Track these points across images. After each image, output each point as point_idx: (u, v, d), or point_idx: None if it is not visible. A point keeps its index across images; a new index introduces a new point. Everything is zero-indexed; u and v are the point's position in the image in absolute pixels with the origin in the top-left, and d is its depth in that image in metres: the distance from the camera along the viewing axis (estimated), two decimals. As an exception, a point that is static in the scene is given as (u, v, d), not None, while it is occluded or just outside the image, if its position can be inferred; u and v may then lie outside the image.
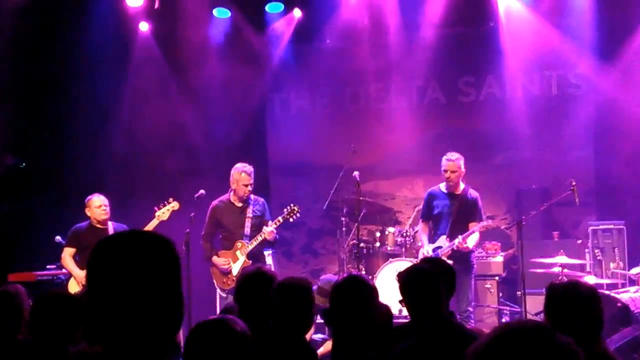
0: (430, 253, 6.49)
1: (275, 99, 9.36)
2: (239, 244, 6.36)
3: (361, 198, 6.97)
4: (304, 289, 3.06)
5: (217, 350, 2.00)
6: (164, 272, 1.54)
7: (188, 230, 6.17)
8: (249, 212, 6.36)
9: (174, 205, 6.40)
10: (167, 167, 8.58)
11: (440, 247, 6.51)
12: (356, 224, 6.89)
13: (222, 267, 6.38)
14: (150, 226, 6.28)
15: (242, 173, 6.27)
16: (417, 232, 7.22)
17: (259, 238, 6.21)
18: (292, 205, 6.25)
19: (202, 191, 6.49)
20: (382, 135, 8.95)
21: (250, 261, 6.25)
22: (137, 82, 8.41)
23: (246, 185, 6.25)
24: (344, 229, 7.92)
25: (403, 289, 3.14)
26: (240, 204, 6.39)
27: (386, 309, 3.36)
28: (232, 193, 6.42)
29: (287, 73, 9.06)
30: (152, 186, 8.28)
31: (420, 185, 8.36)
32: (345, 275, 3.20)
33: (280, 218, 6.18)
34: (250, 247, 6.28)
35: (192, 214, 6.26)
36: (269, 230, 6.13)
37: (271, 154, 9.44)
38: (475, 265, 6.53)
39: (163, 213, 6.36)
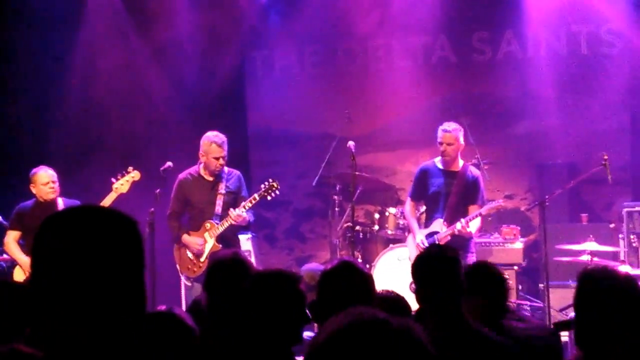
0: (424, 240, 6.50)
1: (256, 56, 9.37)
2: (207, 225, 6.37)
3: (357, 173, 6.95)
4: (291, 286, 2.90)
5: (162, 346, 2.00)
6: (124, 257, 1.51)
7: (153, 209, 6.16)
8: (221, 188, 6.38)
9: (134, 175, 6.37)
10: (127, 133, 8.56)
11: (436, 233, 6.51)
12: (351, 204, 6.90)
13: (195, 247, 6.37)
14: (106, 201, 6.25)
15: (212, 144, 6.27)
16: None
17: (227, 222, 6.25)
18: (270, 180, 6.27)
19: (169, 163, 6.50)
20: (382, 100, 8.92)
21: (221, 245, 6.28)
22: (91, 34, 8.43)
23: (217, 159, 6.27)
24: (336, 209, 7.98)
25: (416, 274, 3.14)
26: (211, 178, 6.41)
27: (398, 301, 3.35)
28: (201, 165, 6.43)
29: (270, 25, 9.08)
30: (109, 155, 8.26)
31: (427, 158, 8.26)
32: (336, 261, 3.16)
33: (256, 195, 6.20)
34: (221, 229, 6.29)
35: (158, 190, 6.27)
36: (236, 213, 6.14)
37: (250, 121, 9.44)
38: (475, 255, 6.54)
39: (122, 185, 6.33)
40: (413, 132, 8.81)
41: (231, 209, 6.21)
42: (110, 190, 6.33)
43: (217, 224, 6.36)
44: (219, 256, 3.49)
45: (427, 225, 6.71)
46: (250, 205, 6.22)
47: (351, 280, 2.98)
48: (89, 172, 7.82)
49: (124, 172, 6.38)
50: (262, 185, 6.30)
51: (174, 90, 8.72)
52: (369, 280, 3.05)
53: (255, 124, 9.42)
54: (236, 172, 6.52)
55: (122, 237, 1.52)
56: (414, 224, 6.72)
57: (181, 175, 6.52)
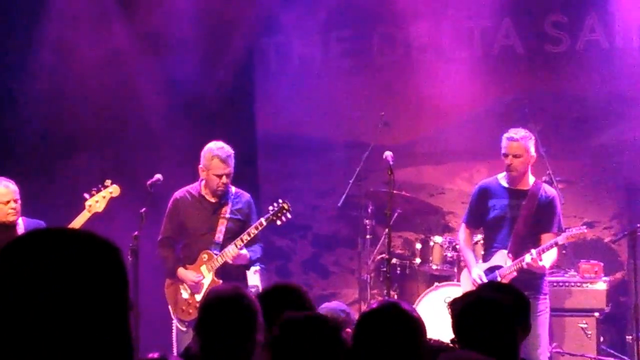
0: (483, 276, 6.54)
1: (269, 44, 9.41)
2: (204, 256, 6.52)
3: (395, 192, 6.98)
4: (332, 335, 2.98)
5: None
6: (104, 296, 1.53)
7: (137, 232, 6.25)
8: (226, 212, 6.54)
9: (112, 190, 6.44)
10: (106, 138, 8.64)
11: (498, 268, 6.55)
12: (387, 230, 6.88)
13: (191, 282, 6.51)
14: (77, 222, 6.33)
15: (214, 158, 6.40)
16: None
17: (226, 256, 6.42)
18: (280, 201, 6.41)
19: (157, 176, 6.58)
20: (428, 100, 8.88)
21: (221, 281, 6.41)
22: (65, 16, 8.43)
23: (220, 176, 6.42)
24: (368, 236, 8.00)
25: (461, 325, 3.19)
26: (214, 200, 6.55)
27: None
28: (203, 183, 6.57)
29: (287, 6, 9.07)
30: (82, 164, 8.34)
31: (484, 174, 8.29)
32: (379, 302, 3.21)
33: (262, 220, 6.36)
34: (220, 262, 6.45)
35: (143, 210, 6.34)
36: (232, 253, 6.33)
37: (260, 125, 9.49)
38: (549, 295, 6.59)
39: (97, 202, 6.39)
40: (467, 141, 8.85)
41: (229, 247, 6.37)
42: (82, 208, 6.37)
43: (216, 254, 6.47)
44: (215, 291, 3.54)
45: (486, 258, 6.72)
46: (248, 237, 6.34)
47: (398, 327, 2.99)
48: (56, 186, 7.90)
49: (100, 186, 6.43)
50: (270, 208, 6.40)
51: (167, 86, 8.81)
52: (420, 327, 3.05)
53: (265, 129, 9.49)
54: (246, 195, 6.68)
55: (101, 269, 1.53)
56: (470, 257, 6.74)
57: (177, 194, 6.63)
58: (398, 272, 7.79)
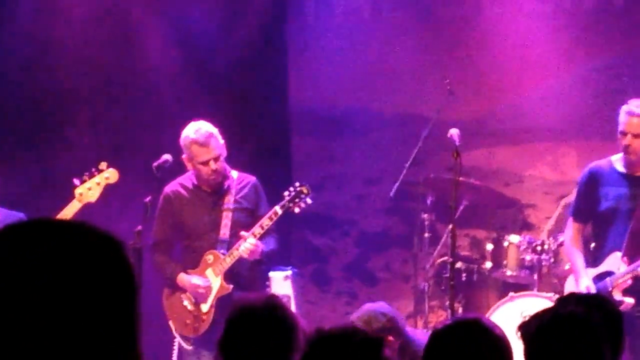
0: (592, 287, 6.56)
1: None
2: (209, 257, 6.63)
3: (461, 179, 6.94)
4: (372, 354, 3.08)
5: None
6: (106, 302, 1.55)
7: (140, 227, 6.26)
8: (229, 202, 6.67)
9: (108, 175, 6.45)
10: (103, 110, 8.69)
11: (610, 274, 6.59)
12: (450, 227, 6.87)
13: (195, 290, 6.62)
14: (66, 213, 6.36)
15: (192, 145, 6.55)
16: (561, 243, 7.38)
17: (235, 251, 6.53)
18: (297, 185, 6.57)
19: (166, 157, 6.61)
20: (503, 65, 8.89)
21: (232, 286, 6.56)
22: None
23: (205, 164, 6.55)
24: (426, 234, 8.05)
25: (533, 350, 3.17)
26: (211, 190, 6.73)
27: None
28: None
29: None
30: (74, 142, 8.35)
31: (573, 159, 8.18)
32: (453, 319, 3.37)
33: (277, 209, 6.50)
34: (229, 262, 6.55)
35: (148, 199, 6.40)
36: (249, 245, 6.42)
37: (294, 95, 9.54)
38: None
39: (89, 190, 6.41)
40: (551, 117, 8.85)
41: (243, 240, 6.44)
42: (71, 197, 6.37)
43: (224, 254, 6.56)
44: (244, 303, 3.63)
45: (595, 262, 6.73)
46: (261, 231, 6.46)
47: (481, 350, 3.04)
48: (40, 169, 7.93)
49: (93, 170, 6.43)
50: (286, 193, 6.53)
51: (176, 48, 8.87)
52: (508, 351, 3.10)
53: (300, 100, 9.56)
54: (250, 178, 6.83)
55: (100, 270, 1.56)
56: (579, 260, 6.75)
57: (168, 188, 6.74)
58: (463, 279, 7.82)
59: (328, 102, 9.43)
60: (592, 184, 6.74)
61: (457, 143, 6.61)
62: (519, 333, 3.22)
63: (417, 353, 4.95)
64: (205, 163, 6.51)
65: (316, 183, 8.35)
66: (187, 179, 6.74)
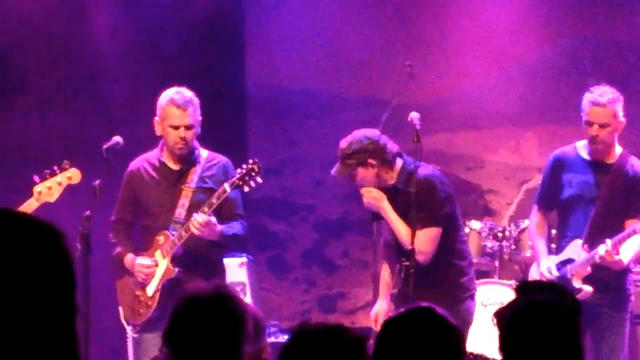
0: (554, 273, 6.59)
1: None
2: (160, 238, 6.53)
3: (422, 164, 6.72)
4: (354, 339, 3.12)
5: None
6: (39, 293, 1.58)
7: (88, 212, 6.23)
8: (192, 180, 6.59)
9: (70, 174, 6.41)
10: (45, 90, 8.62)
11: (571, 262, 6.61)
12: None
13: (140, 272, 6.53)
14: (24, 209, 6.27)
15: (169, 105, 6.47)
16: (524, 229, 7.47)
17: (186, 232, 6.42)
18: (250, 162, 6.44)
19: (116, 139, 6.57)
20: (465, 46, 8.96)
21: (177, 269, 6.46)
22: None
23: (176, 127, 6.44)
24: None
25: (508, 337, 3.21)
26: (177, 166, 6.60)
27: None
28: (163, 146, 6.65)
29: None
30: (16, 125, 8.31)
31: (535, 144, 8.19)
32: (405, 308, 3.27)
33: (225, 186, 6.36)
34: (178, 243, 6.44)
35: (97, 182, 6.32)
36: (200, 220, 6.29)
37: (251, 76, 9.54)
38: (632, 298, 6.67)
39: (49, 189, 6.37)
40: (513, 101, 8.91)
41: (195, 214, 6.31)
42: (29, 195, 6.34)
43: (173, 234, 6.43)
44: (191, 292, 3.60)
45: (559, 249, 6.76)
46: (215, 202, 6.32)
47: (432, 338, 3.05)
48: None
49: (55, 167, 6.38)
50: (238, 170, 6.41)
51: (126, 25, 8.83)
52: (460, 339, 3.13)
53: (257, 80, 9.54)
54: (221, 159, 6.70)
55: (37, 260, 1.60)
56: (541, 246, 6.78)
57: (133, 165, 6.66)
58: (424, 266, 7.78)
59: (286, 83, 9.41)
60: (556, 170, 6.73)
61: (418, 127, 6.59)
62: (495, 320, 3.25)
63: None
64: (176, 127, 6.40)
65: (274, 167, 8.34)
66: (153, 156, 6.64)
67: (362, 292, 8.91)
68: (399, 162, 6.29)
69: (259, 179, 6.35)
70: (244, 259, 7.94)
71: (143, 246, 6.61)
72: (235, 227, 6.50)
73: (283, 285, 9.39)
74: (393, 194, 6.30)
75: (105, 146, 6.44)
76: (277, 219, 9.24)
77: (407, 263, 6.23)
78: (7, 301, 1.55)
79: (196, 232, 6.28)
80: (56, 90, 8.69)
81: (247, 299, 7.68)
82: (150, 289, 6.46)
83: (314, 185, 9.24)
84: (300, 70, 9.32)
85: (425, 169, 6.25)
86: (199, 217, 6.26)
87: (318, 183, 9.26)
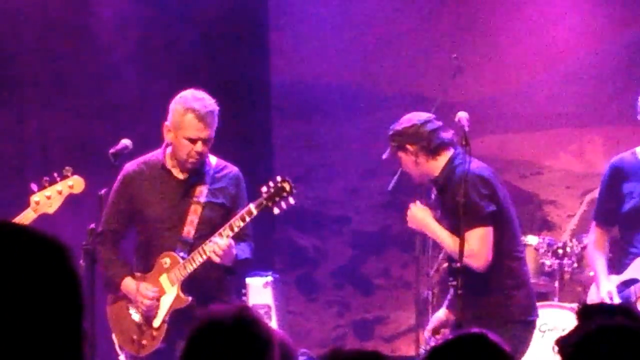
0: (616, 299, 6.62)
1: None
2: (165, 260, 6.45)
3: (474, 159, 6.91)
4: None
5: None
6: (46, 315, 1.63)
7: (93, 225, 6.24)
8: (201, 194, 6.53)
9: (72, 183, 6.40)
10: (48, 92, 8.66)
11: (635, 282, 6.69)
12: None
13: (143, 301, 6.45)
14: (20, 221, 6.19)
15: (187, 112, 6.38)
16: (586, 246, 7.50)
17: (202, 256, 6.34)
18: (279, 179, 6.37)
19: (125, 142, 6.53)
20: (521, 37, 8.98)
21: (190, 298, 6.40)
22: None
23: (194, 141, 6.40)
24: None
25: None
26: (183, 176, 6.55)
27: None
28: (169, 150, 6.58)
29: None
30: (15, 130, 8.39)
31: (599, 147, 8.34)
32: (455, 334, 3.39)
33: (252, 207, 6.31)
34: (190, 269, 6.38)
35: (103, 192, 6.35)
36: (223, 244, 6.26)
37: (276, 72, 9.59)
38: None
39: (48, 199, 6.37)
40: (575, 99, 8.92)
41: (215, 237, 6.27)
42: (26, 204, 6.35)
43: (184, 258, 6.36)
44: (211, 316, 3.62)
45: (620, 267, 6.79)
46: (239, 225, 6.28)
47: None
48: None
49: (55, 175, 6.36)
50: (264, 189, 6.32)
51: (138, 20, 8.89)
52: None
53: (283, 78, 9.60)
54: (232, 169, 6.66)
55: (41, 280, 1.64)
56: (600, 267, 6.78)
57: (130, 166, 6.59)
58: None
59: (316, 79, 9.43)
60: (615, 181, 6.76)
61: (466, 128, 6.57)
62: (557, 348, 3.22)
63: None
64: (193, 141, 6.30)
65: (302, 174, 8.36)
66: (153, 159, 6.57)
67: (403, 317, 8.93)
68: (446, 154, 6.35)
69: (291, 200, 6.29)
70: (269, 278, 7.96)
71: (140, 266, 6.54)
72: (246, 251, 6.46)
73: (313, 308, 9.43)
74: (437, 188, 6.45)
75: (112, 151, 6.39)
76: (307, 232, 9.29)
77: (454, 283, 6.24)
78: (6, 328, 1.59)
79: (216, 259, 6.23)
80: (56, 88, 8.72)
81: (273, 323, 7.70)
82: (157, 321, 6.39)
83: (347, 194, 9.25)
84: (332, 65, 9.35)
85: (473, 165, 6.28)
86: (220, 242, 6.21)
87: (353, 191, 9.30)
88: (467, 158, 6.32)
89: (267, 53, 9.55)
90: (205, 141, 6.32)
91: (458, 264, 6.59)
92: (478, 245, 6.23)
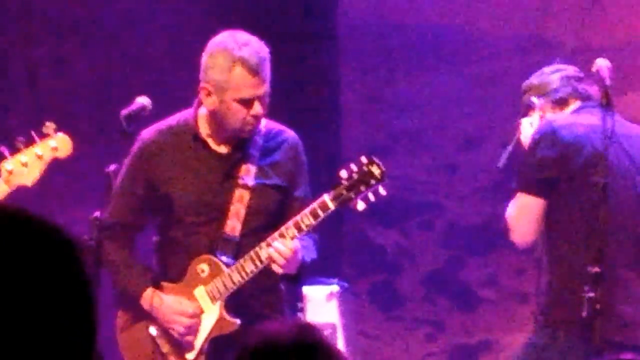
0: None
1: None
2: (202, 267, 6.45)
3: (611, 139, 6.71)
4: None
5: None
6: (52, 328, 1.80)
7: (99, 213, 6.22)
8: (248, 172, 6.53)
9: (55, 143, 6.36)
10: (46, 42, 9.16)
11: None
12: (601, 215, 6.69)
13: (176, 322, 6.43)
14: None
15: (236, 65, 6.35)
16: None
17: (255, 263, 6.32)
18: (364, 160, 6.34)
19: (141, 101, 6.50)
20: None
21: (238, 320, 6.40)
22: None
23: (246, 103, 6.37)
24: None
25: None
26: (226, 148, 6.56)
27: None
28: (202, 113, 6.58)
29: None
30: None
31: None
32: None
33: (327, 199, 6.29)
34: (237, 280, 6.38)
35: (112, 167, 6.31)
36: (286, 250, 6.24)
37: (345, 8, 9.79)
38: None
39: (24, 166, 6.33)
40: None
41: (275, 238, 6.23)
42: None
43: (228, 265, 6.32)
44: (263, 335, 3.64)
45: None
46: (309, 223, 6.26)
47: None
48: None
49: (33, 134, 6.35)
50: (344, 173, 6.29)
51: None
52: None
53: (354, 19, 9.82)
54: (287, 134, 6.69)
55: (45, 279, 1.79)
56: None
57: (147, 134, 6.61)
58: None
59: (398, 19, 9.67)
60: None
61: (608, 82, 6.54)
62: None
63: None
64: (248, 102, 6.23)
65: (379, 145, 8.13)
66: (181, 124, 6.54)
67: (518, 339, 8.65)
68: (574, 107, 6.64)
69: (381, 190, 6.20)
70: (335, 288, 8.10)
71: (164, 272, 6.52)
72: (311, 249, 6.44)
73: (394, 329, 9.58)
74: None
75: (124, 112, 6.29)
76: (385, 225, 9.45)
77: (591, 294, 6.19)
78: (6, 342, 1.72)
79: (278, 268, 6.17)
80: (57, 44, 9.12)
81: (340, 346, 7.78)
82: (192, 353, 6.35)
83: (441, 173, 9.40)
84: (417, 2, 9.62)
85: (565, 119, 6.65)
86: (282, 247, 6.15)
87: (448, 170, 9.49)
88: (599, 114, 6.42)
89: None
90: (262, 99, 6.27)
91: (596, 268, 6.49)
92: (514, 215, 6.66)
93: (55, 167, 6.54)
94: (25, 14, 9.12)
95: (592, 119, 6.54)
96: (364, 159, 6.24)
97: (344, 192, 6.20)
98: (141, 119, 6.39)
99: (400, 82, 9.66)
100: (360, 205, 6.22)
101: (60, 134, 6.31)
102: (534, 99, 6.52)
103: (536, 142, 6.61)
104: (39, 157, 6.25)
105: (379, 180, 6.19)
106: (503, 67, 9.08)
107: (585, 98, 6.53)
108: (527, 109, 6.60)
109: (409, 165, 9.30)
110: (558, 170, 6.61)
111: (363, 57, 9.68)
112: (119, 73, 8.47)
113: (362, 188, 6.20)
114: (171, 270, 6.47)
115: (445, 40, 9.52)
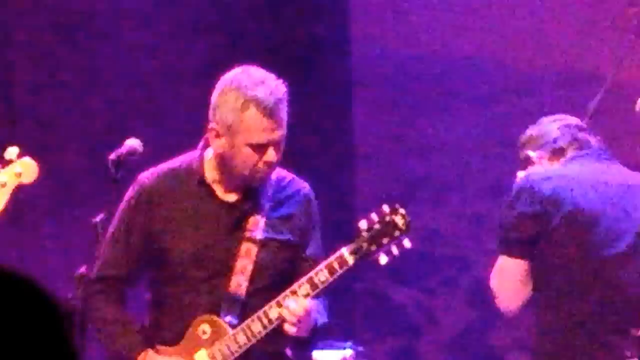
0: None
1: None
2: (204, 328, 6.52)
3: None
4: None
5: None
6: None
7: (85, 268, 6.40)
8: (256, 225, 6.62)
9: (19, 169, 6.55)
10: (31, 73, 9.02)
11: None
12: None
13: None
14: None
15: (250, 106, 6.41)
16: None
17: (263, 324, 6.40)
18: (386, 209, 6.42)
19: (131, 143, 6.65)
20: None
21: None
22: None
23: (259, 149, 6.43)
24: None
25: None
26: (234, 196, 6.64)
27: None
28: (208, 156, 6.65)
29: None
30: None
31: None
32: None
33: (346, 254, 6.36)
34: (244, 344, 6.44)
35: (100, 217, 6.45)
36: (300, 309, 6.31)
37: (360, 37, 10.09)
38: None
39: None
40: None
41: (286, 297, 6.32)
42: None
43: (233, 325, 6.42)
44: None
45: None
46: (324, 280, 6.33)
47: None
48: None
49: None
50: (363, 224, 6.36)
51: None
52: None
53: (367, 46, 10.06)
54: (300, 186, 6.76)
55: (30, 342, 1.81)
56: None
57: (146, 178, 6.69)
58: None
59: (416, 49, 9.97)
60: None
61: None
62: None
63: None
64: (261, 148, 6.31)
65: (398, 192, 8.24)
66: (184, 167, 6.63)
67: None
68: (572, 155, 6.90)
69: (407, 243, 6.28)
70: (348, 352, 8.18)
71: (161, 334, 6.55)
72: (322, 312, 6.48)
73: None
74: None
75: (112, 156, 6.42)
76: (404, 280, 9.42)
77: (628, 354, 6.50)
78: None
79: (291, 330, 6.23)
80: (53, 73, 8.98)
81: None
82: None
83: (466, 225, 9.46)
84: (439, 30, 9.90)
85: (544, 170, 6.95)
86: (295, 305, 6.22)
87: (474, 218, 9.56)
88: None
89: (347, 12, 9.80)
90: (277, 145, 6.34)
91: (638, 331, 6.71)
92: (495, 278, 7.01)
93: (37, 214, 6.75)
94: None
95: (581, 169, 6.79)
96: (386, 208, 6.30)
97: (365, 245, 6.27)
98: (131, 163, 6.48)
99: (421, 118, 9.75)
100: (383, 260, 6.27)
101: (25, 158, 6.44)
102: (531, 153, 6.75)
103: (514, 198, 6.87)
104: (3, 185, 6.41)
105: (404, 232, 6.27)
106: (533, 102, 9.22)
107: (582, 147, 6.75)
108: (526, 162, 6.80)
109: (430, 215, 9.40)
110: (538, 227, 6.79)
111: (380, 93, 9.80)
112: (107, 113, 8.47)
113: (385, 241, 6.29)
114: (167, 331, 6.52)
115: (471, 74, 9.59)
